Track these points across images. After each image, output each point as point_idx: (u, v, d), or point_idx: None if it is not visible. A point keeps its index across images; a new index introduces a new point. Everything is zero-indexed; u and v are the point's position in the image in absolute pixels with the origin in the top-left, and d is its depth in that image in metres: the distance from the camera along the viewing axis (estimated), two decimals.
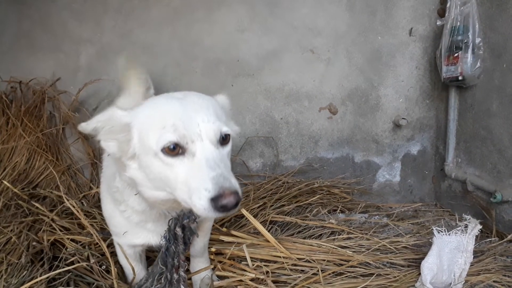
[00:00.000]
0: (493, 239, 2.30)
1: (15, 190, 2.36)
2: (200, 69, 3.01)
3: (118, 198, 1.42)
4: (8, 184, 2.35)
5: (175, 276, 1.34)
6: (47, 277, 1.60)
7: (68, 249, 1.89)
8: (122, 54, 2.36)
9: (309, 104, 3.11)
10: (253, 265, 1.80)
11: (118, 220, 1.49)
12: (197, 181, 1.09)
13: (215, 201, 1.05)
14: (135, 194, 1.33)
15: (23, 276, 1.66)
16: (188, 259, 1.82)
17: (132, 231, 1.49)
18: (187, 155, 1.13)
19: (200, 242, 1.72)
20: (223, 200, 1.05)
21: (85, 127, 1.23)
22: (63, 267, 1.67)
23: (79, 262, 1.75)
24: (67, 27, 2.94)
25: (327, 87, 3.10)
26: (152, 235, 1.50)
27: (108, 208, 1.52)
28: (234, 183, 1.10)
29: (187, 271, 1.82)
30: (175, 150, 1.12)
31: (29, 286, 1.54)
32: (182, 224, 1.32)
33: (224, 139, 1.20)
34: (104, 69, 2.92)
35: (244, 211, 1.91)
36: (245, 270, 1.78)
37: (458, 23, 2.58)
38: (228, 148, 1.23)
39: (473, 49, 2.52)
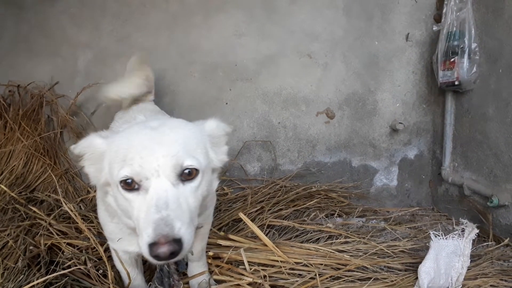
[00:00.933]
0: (490, 243, 2.30)
1: (12, 194, 2.36)
2: (198, 73, 3.02)
3: (111, 212, 1.42)
4: (5, 188, 2.35)
5: None
6: (44, 281, 1.59)
7: (65, 253, 1.89)
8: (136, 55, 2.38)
9: (306, 108, 3.12)
10: (250, 269, 1.80)
11: (112, 228, 1.49)
12: (143, 221, 1.06)
13: (151, 248, 1.01)
14: None
15: (20, 280, 1.65)
16: (186, 263, 1.82)
17: (126, 238, 1.49)
18: (141, 191, 1.11)
19: (197, 246, 1.71)
20: (157, 249, 1.00)
21: (73, 150, 1.25)
22: (60, 271, 1.67)
23: (76, 266, 1.74)
24: (65, 31, 2.94)
25: (324, 91, 3.12)
26: None
27: (103, 215, 1.52)
28: (178, 230, 1.02)
29: (184, 275, 1.82)
30: (131, 185, 1.10)
31: None
32: None
33: (189, 174, 1.13)
34: (102, 73, 2.91)
35: (241, 215, 1.91)
36: (242, 274, 1.77)
37: (454, 29, 2.61)
38: (194, 183, 1.15)
39: (469, 54, 2.55)
